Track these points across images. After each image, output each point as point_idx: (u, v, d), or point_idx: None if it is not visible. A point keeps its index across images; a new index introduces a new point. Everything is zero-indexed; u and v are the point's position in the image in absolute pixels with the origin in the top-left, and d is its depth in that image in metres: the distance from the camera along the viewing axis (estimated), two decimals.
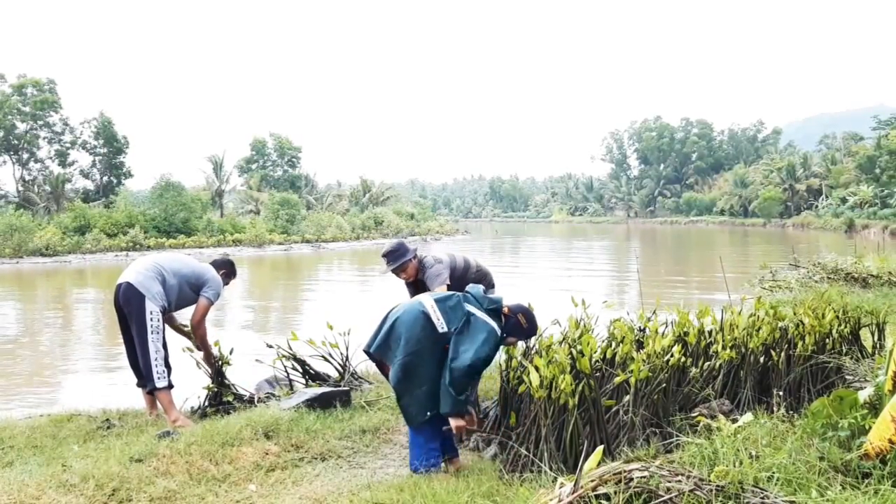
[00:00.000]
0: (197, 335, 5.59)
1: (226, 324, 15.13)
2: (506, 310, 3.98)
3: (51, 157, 49.79)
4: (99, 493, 3.76)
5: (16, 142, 47.74)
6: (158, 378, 5.15)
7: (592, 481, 2.45)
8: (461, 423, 3.80)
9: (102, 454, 4.41)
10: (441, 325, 3.81)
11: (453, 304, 3.92)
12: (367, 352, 4.16)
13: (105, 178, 50.79)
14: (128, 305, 5.27)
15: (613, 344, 4.44)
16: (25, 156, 48.77)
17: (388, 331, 3.96)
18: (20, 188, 48.36)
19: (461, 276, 5.06)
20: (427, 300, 3.96)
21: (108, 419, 5.49)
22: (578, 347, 3.88)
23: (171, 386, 5.24)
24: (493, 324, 3.85)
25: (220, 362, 5.73)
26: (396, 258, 5.01)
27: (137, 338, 5.23)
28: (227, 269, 5.86)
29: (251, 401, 5.86)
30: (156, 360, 5.14)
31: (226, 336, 6.44)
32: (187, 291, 5.49)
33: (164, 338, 5.31)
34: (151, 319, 5.17)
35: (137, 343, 5.25)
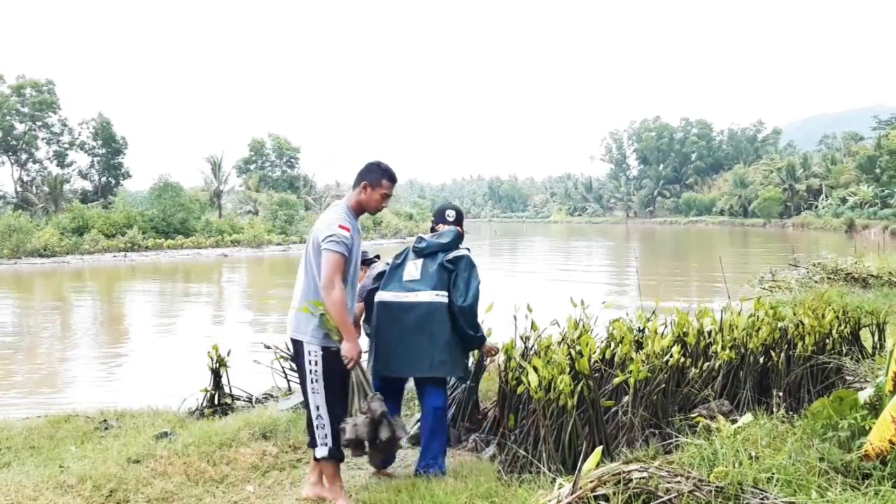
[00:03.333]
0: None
1: (224, 324, 15.13)
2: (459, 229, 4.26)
3: (49, 158, 49.82)
4: (96, 494, 3.75)
5: (14, 143, 47.72)
6: (319, 443, 3.66)
7: (591, 482, 2.44)
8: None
9: (100, 455, 4.40)
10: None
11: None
12: None
13: (103, 179, 50.78)
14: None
15: (612, 344, 4.43)
16: (24, 156, 48.76)
17: None
18: (18, 189, 48.35)
19: None
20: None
21: (105, 420, 5.48)
22: (577, 348, 3.87)
23: (335, 457, 3.68)
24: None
25: (217, 364, 5.71)
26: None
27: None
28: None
29: (249, 401, 5.86)
30: (317, 417, 3.64)
31: (224, 336, 6.42)
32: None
33: (334, 387, 3.65)
34: (310, 362, 3.64)
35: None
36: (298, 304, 3.68)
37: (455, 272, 4.02)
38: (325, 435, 3.62)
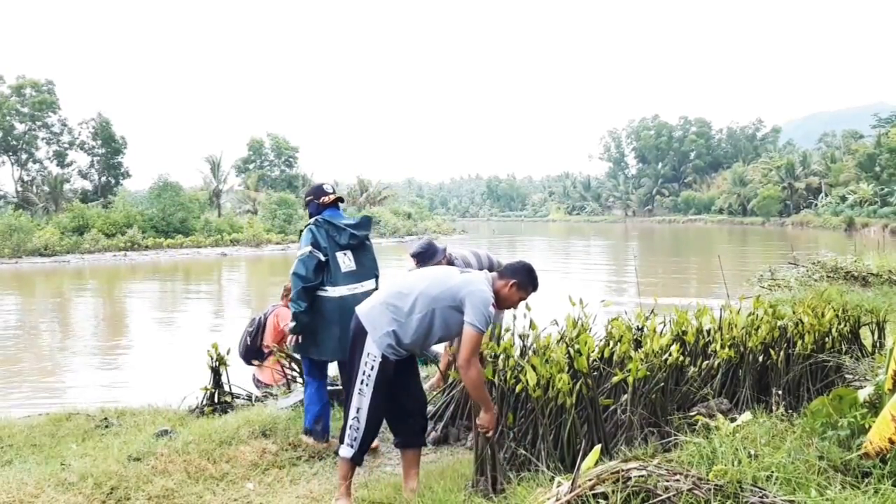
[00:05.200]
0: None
1: (224, 323, 15.13)
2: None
3: (49, 158, 49.77)
4: (97, 492, 3.76)
5: (14, 142, 47.69)
6: (347, 442, 3.60)
7: (590, 480, 2.44)
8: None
9: (101, 453, 4.41)
10: None
11: None
12: None
13: (103, 179, 50.73)
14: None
15: (611, 343, 4.43)
16: (24, 156, 48.72)
17: None
18: (19, 188, 48.34)
19: None
20: None
21: (106, 418, 5.49)
22: (576, 346, 3.88)
23: (355, 461, 3.65)
24: None
25: (217, 363, 5.72)
26: (426, 258, 4.99)
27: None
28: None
29: (249, 399, 5.87)
30: (354, 419, 3.56)
31: (223, 336, 6.43)
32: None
33: (380, 396, 3.57)
34: (366, 364, 3.54)
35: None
36: (388, 300, 3.55)
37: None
38: (356, 438, 3.56)
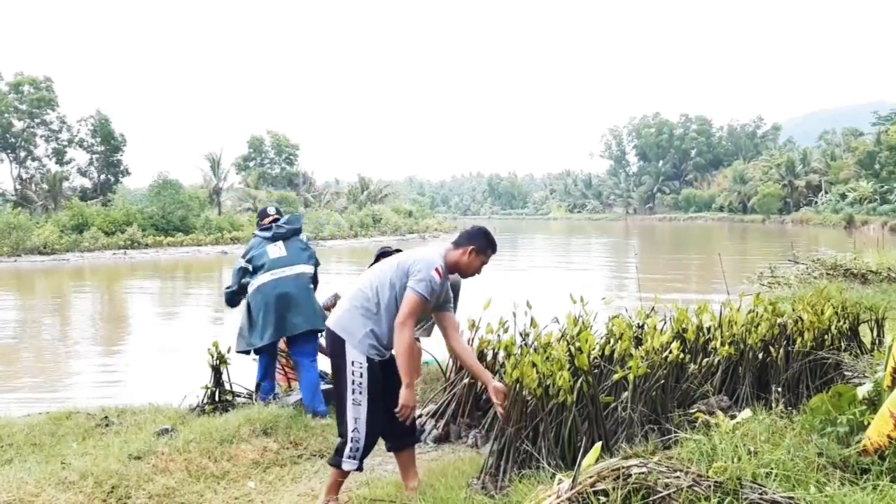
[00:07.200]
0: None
1: (225, 321, 15.13)
2: None
3: (48, 156, 49.75)
4: (98, 491, 3.76)
5: (13, 140, 47.67)
6: (348, 456, 3.48)
7: (591, 477, 2.45)
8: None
9: (101, 452, 4.41)
10: None
11: None
12: None
13: (102, 176, 50.74)
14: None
15: (612, 340, 4.43)
16: (23, 154, 48.71)
17: None
18: (18, 186, 48.32)
19: None
20: None
21: (106, 417, 5.49)
22: (577, 344, 3.88)
23: (358, 470, 3.58)
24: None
25: (218, 361, 5.72)
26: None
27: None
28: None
29: (250, 398, 5.87)
30: (354, 430, 3.46)
31: (224, 334, 6.44)
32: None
33: (377, 400, 3.51)
34: (353, 373, 3.47)
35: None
36: (360, 305, 3.49)
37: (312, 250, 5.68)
38: (357, 450, 3.45)
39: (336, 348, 3.47)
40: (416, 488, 3.60)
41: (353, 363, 3.42)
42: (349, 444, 3.45)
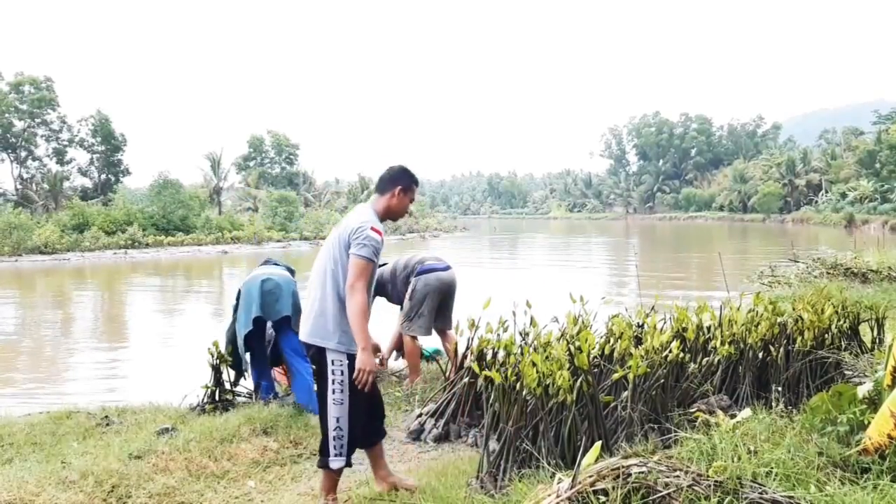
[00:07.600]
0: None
1: (225, 321, 15.12)
2: None
3: (49, 155, 49.73)
4: (98, 490, 3.76)
5: (13, 140, 47.66)
6: (334, 454, 3.48)
7: (590, 477, 2.45)
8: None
9: (101, 451, 4.42)
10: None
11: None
12: None
13: (103, 176, 50.73)
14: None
15: (612, 340, 4.44)
16: (23, 154, 48.70)
17: None
18: (18, 186, 48.32)
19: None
20: None
21: (107, 416, 5.49)
22: (576, 343, 3.88)
23: (349, 465, 3.59)
24: None
25: (218, 360, 5.73)
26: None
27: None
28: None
29: (250, 397, 5.87)
30: (336, 429, 3.47)
31: (223, 334, 6.43)
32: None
33: (359, 395, 3.49)
34: (334, 372, 3.48)
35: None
36: (318, 307, 3.48)
37: None
38: (342, 446, 3.44)
39: (317, 356, 3.50)
40: (386, 477, 3.68)
41: (332, 362, 3.44)
42: (332, 442, 3.44)
